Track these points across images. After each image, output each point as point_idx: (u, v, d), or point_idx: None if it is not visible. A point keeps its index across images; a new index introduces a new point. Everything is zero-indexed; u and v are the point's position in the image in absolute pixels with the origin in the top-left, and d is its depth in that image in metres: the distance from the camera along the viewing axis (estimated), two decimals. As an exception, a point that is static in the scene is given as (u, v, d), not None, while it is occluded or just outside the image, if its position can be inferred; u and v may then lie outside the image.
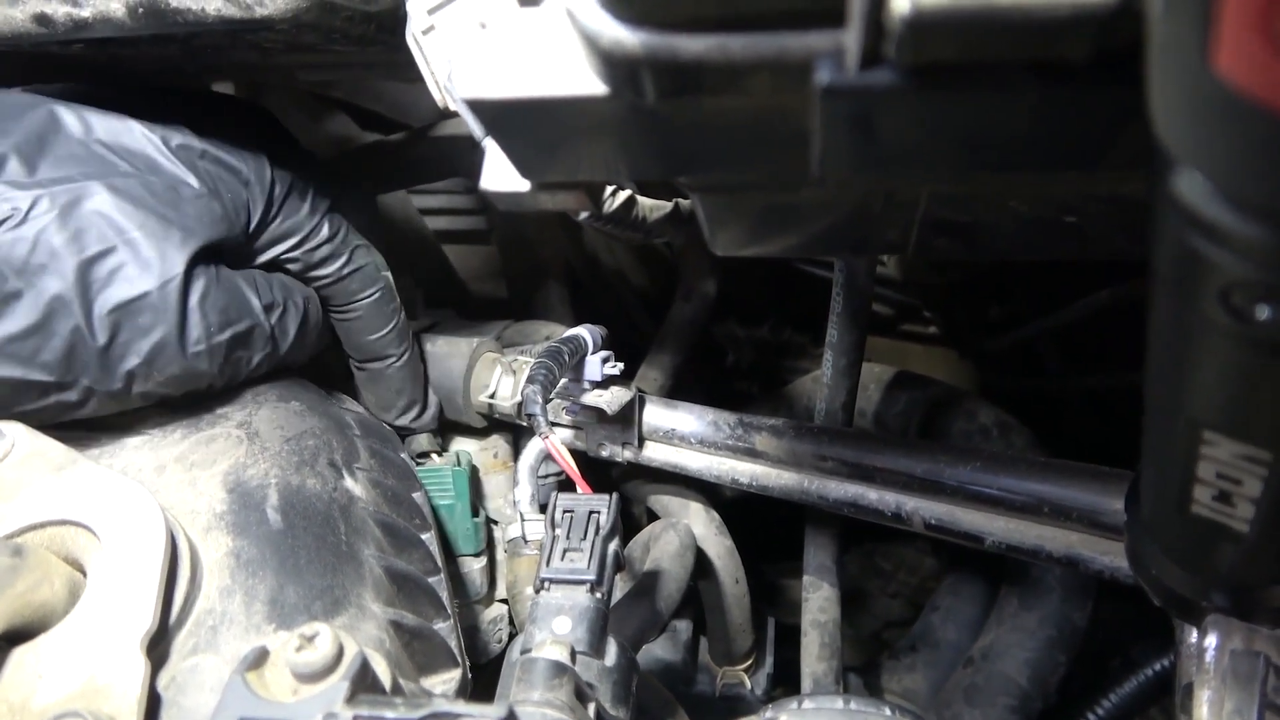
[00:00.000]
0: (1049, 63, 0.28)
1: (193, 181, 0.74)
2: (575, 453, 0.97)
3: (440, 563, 0.83)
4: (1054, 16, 0.25)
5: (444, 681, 0.72)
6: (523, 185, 0.47)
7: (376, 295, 0.91)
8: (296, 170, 0.83)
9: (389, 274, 0.93)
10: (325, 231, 0.85)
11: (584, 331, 0.93)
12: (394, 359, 0.96)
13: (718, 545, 1.09)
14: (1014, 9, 0.25)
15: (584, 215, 0.63)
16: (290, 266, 0.85)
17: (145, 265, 0.69)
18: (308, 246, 0.84)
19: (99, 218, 0.68)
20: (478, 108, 0.38)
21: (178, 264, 0.71)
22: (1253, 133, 0.22)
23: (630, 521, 1.28)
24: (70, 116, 0.72)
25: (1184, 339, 0.32)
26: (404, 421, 1.03)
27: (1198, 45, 0.22)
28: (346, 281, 0.88)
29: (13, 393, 0.68)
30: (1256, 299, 0.27)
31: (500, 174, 0.47)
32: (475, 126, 0.50)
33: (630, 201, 0.68)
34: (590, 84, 0.36)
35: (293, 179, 0.82)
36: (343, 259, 0.87)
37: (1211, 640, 0.53)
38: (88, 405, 0.71)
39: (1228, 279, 0.27)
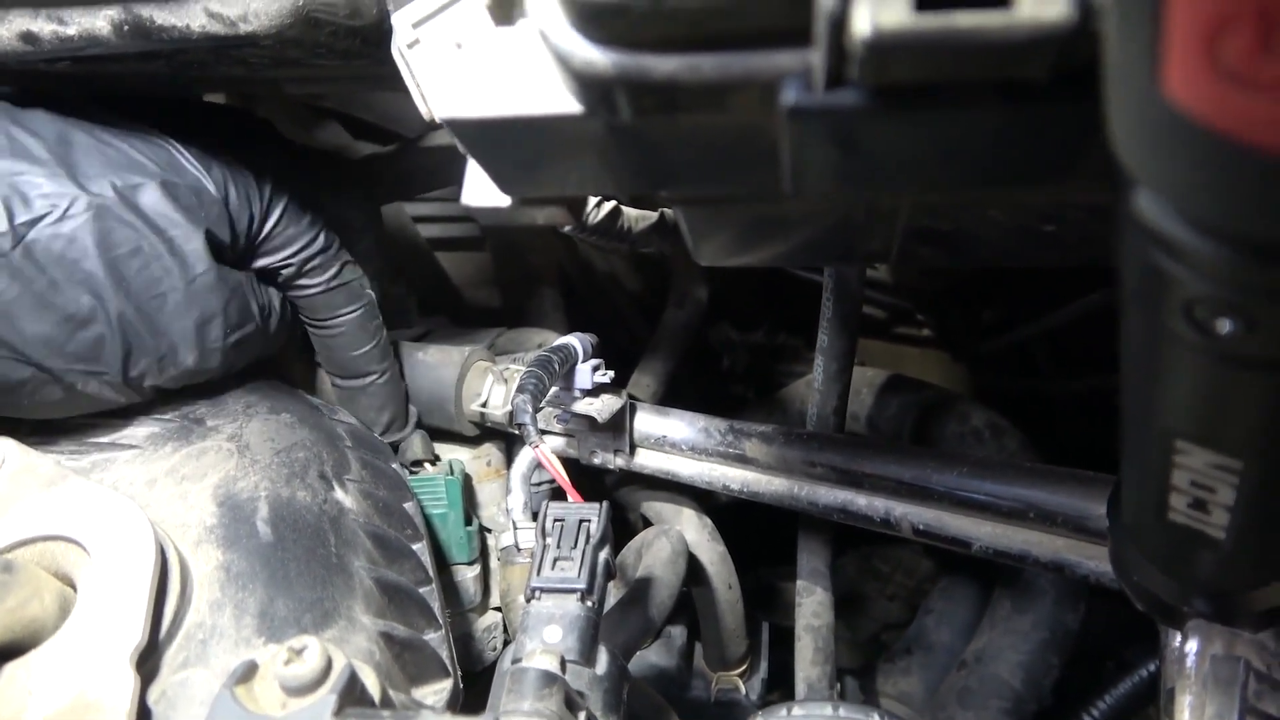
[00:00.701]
0: (1011, 82, 0.28)
1: (210, 186, 0.75)
2: (567, 461, 0.97)
3: (432, 572, 0.83)
4: (1012, 38, 0.26)
5: (435, 692, 0.73)
6: (503, 201, 0.47)
7: (359, 311, 0.91)
8: (301, 179, 0.84)
9: (373, 292, 0.93)
10: (321, 242, 0.86)
11: (574, 340, 0.93)
12: (375, 375, 0.96)
13: (710, 551, 1.09)
14: (973, 31, 0.26)
15: (569, 228, 0.63)
16: (283, 272, 0.86)
17: (172, 265, 0.72)
18: (304, 255, 0.85)
19: (132, 216, 0.70)
20: (455, 127, 0.39)
21: (203, 264, 0.74)
22: (1202, 155, 0.22)
23: (624, 528, 1.28)
24: (71, 119, 0.73)
25: (1153, 351, 0.33)
26: (389, 436, 1.03)
27: (1147, 69, 0.22)
28: (332, 295, 0.89)
29: (38, 385, 0.70)
30: (1218, 313, 0.28)
31: (481, 189, 0.47)
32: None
33: (615, 213, 0.68)
34: (565, 103, 0.36)
35: (297, 187, 0.83)
36: (331, 271, 0.87)
37: (1193, 645, 0.53)
38: (100, 398, 0.74)
39: (1189, 294, 0.27)
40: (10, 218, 0.66)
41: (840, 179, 0.35)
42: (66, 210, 0.67)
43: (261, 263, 0.84)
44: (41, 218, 0.66)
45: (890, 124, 0.30)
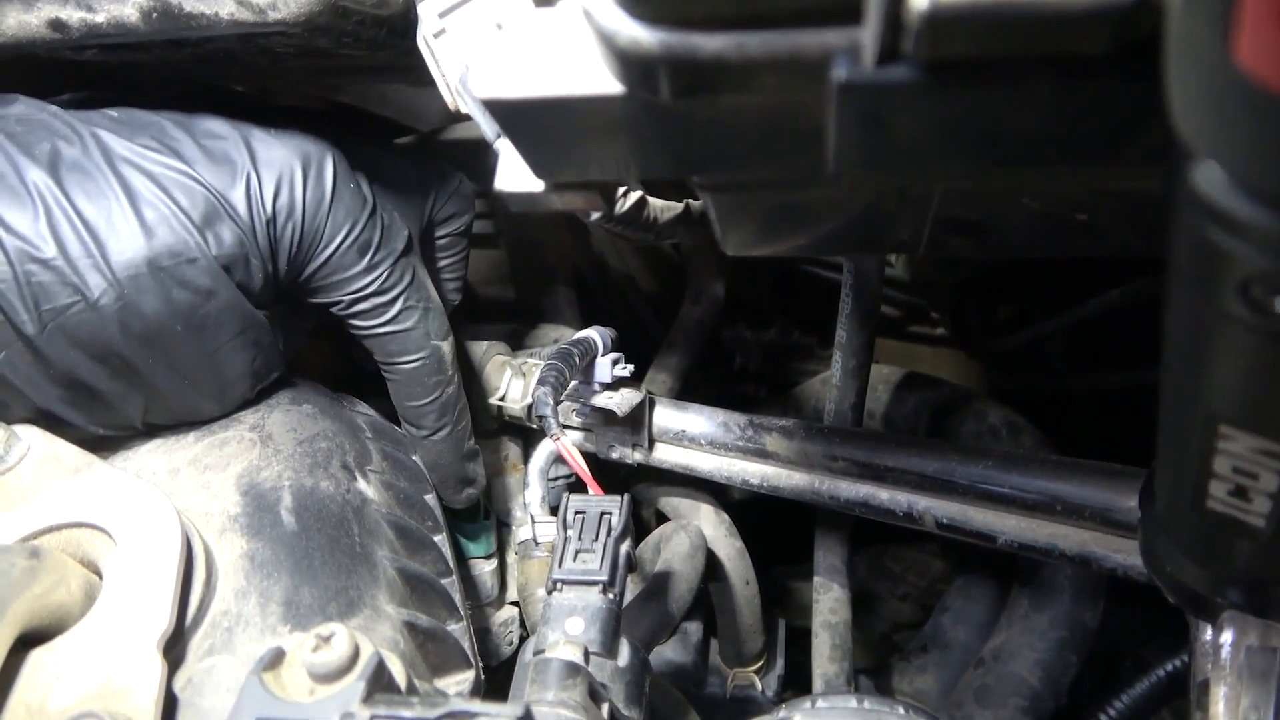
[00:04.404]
0: (1067, 57, 0.28)
1: (255, 254, 0.71)
2: (585, 454, 0.97)
3: (452, 564, 0.83)
4: (1072, 10, 0.26)
5: (457, 683, 0.73)
6: (537, 185, 0.47)
7: (416, 364, 0.83)
8: (380, 214, 0.77)
9: (444, 345, 0.85)
10: (374, 288, 0.78)
11: (594, 333, 0.93)
12: (427, 433, 0.89)
13: (728, 547, 1.09)
14: (1032, 4, 0.25)
15: (596, 216, 0.63)
16: (334, 309, 0.80)
17: (200, 337, 0.70)
18: (351, 297, 0.78)
19: (162, 299, 0.67)
20: (494, 108, 0.39)
21: (231, 329, 0.72)
22: (1272, 124, 0.22)
23: (640, 524, 1.29)
24: (123, 148, 0.68)
25: (1202, 332, 0.32)
26: (442, 491, 0.95)
27: (1217, 37, 0.22)
28: (383, 340, 0.81)
29: (69, 435, 0.70)
30: (1275, 291, 0.27)
31: (515, 175, 0.47)
32: (488, 128, 0.51)
33: (641, 202, 0.68)
34: (606, 83, 0.36)
35: (366, 231, 0.76)
36: (384, 318, 0.80)
37: (1227, 636, 0.53)
38: (112, 432, 0.75)
39: (1246, 271, 0.27)
40: (36, 305, 0.64)
41: (886, 158, 0.35)
42: (97, 300, 0.65)
43: (305, 297, 0.79)
44: (70, 305, 0.65)
45: (941, 101, 0.30)
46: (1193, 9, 0.22)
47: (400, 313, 0.80)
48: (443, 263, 0.93)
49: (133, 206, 0.66)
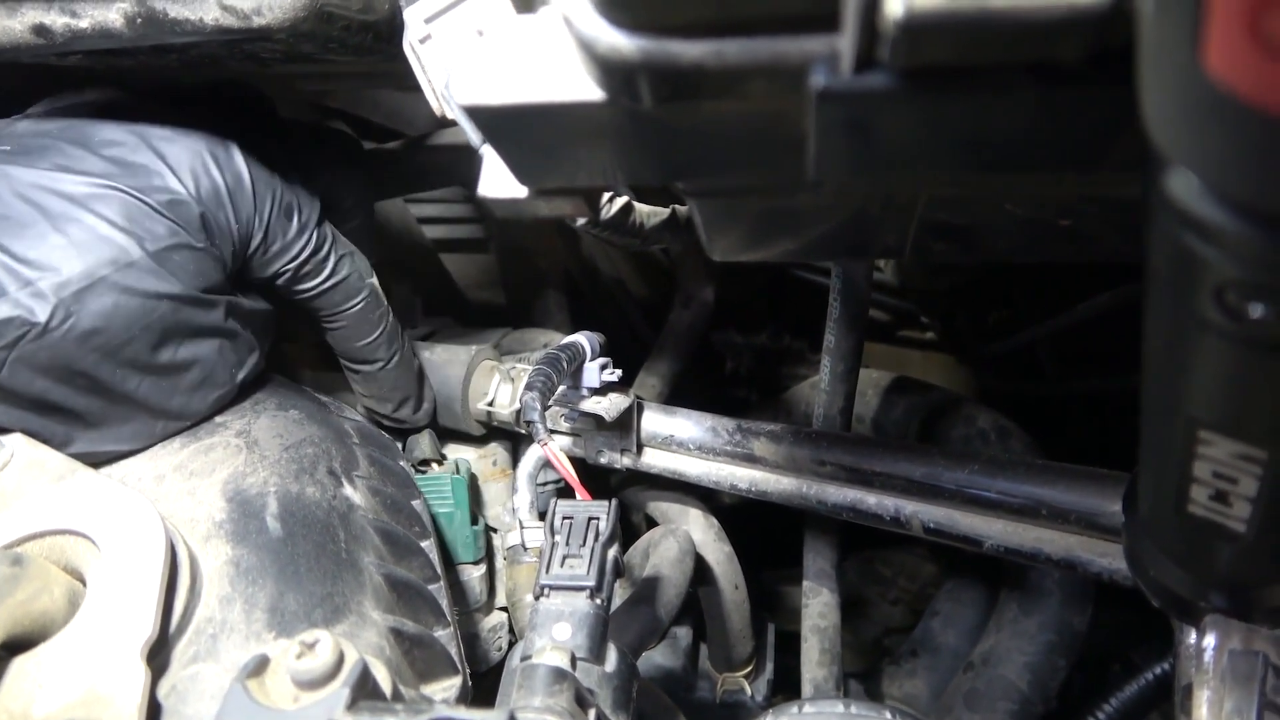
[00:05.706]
0: (1043, 64, 0.28)
1: (191, 239, 0.72)
2: (574, 460, 0.97)
3: (440, 570, 0.83)
4: (1047, 18, 0.26)
5: (444, 689, 0.72)
6: (521, 191, 0.47)
7: (360, 305, 0.91)
8: (289, 182, 0.82)
9: (374, 280, 0.93)
10: (310, 248, 0.84)
11: (582, 338, 0.93)
12: (383, 363, 0.96)
13: (717, 551, 1.09)
14: (1007, 11, 0.25)
15: (582, 222, 0.63)
16: (278, 281, 0.85)
17: (160, 341, 0.71)
18: (295, 264, 0.84)
19: (113, 307, 0.67)
20: (475, 114, 0.38)
21: (191, 327, 0.73)
22: (1242, 132, 0.22)
23: (629, 529, 1.28)
24: (30, 176, 0.69)
25: (1179, 338, 0.32)
26: (401, 414, 1.03)
27: (1188, 45, 0.22)
28: (330, 294, 0.88)
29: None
30: (1250, 297, 0.27)
31: (498, 180, 0.47)
32: (473, 134, 0.51)
33: (628, 208, 0.68)
34: (587, 90, 0.36)
35: (286, 196, 0.81)
36: (325, 273, 0.87)
37: (1210, 640, 0.53)
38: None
39: (1221, 277, 0.27)
40: None
41: (866, 165, 0.35)
42: (47, 324, 0.65)
43: (252, 277, 0.83)
44: (21, 337, 0.64)
45: (919, 107, 0.30)
46: (1163, 18, 0.22)
47: (336, 264, 0.88)
48: (346, 228, 0.97)
49: (55, 229, 0.67)
